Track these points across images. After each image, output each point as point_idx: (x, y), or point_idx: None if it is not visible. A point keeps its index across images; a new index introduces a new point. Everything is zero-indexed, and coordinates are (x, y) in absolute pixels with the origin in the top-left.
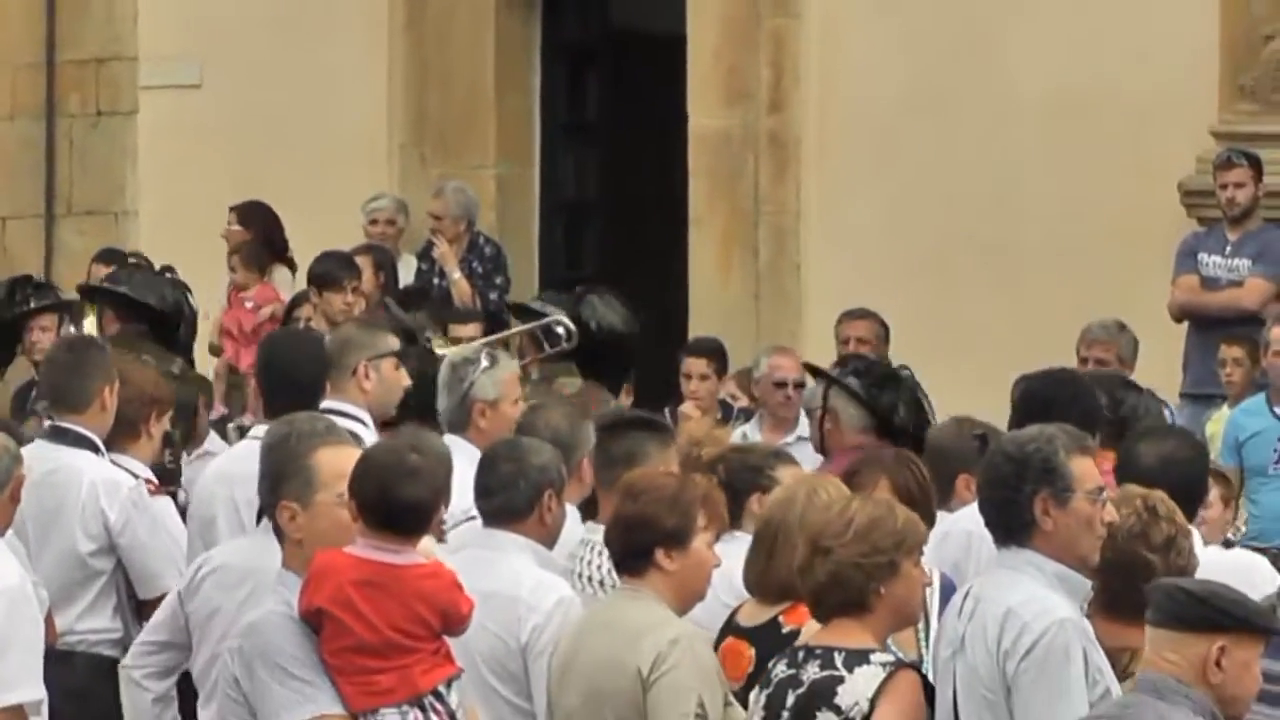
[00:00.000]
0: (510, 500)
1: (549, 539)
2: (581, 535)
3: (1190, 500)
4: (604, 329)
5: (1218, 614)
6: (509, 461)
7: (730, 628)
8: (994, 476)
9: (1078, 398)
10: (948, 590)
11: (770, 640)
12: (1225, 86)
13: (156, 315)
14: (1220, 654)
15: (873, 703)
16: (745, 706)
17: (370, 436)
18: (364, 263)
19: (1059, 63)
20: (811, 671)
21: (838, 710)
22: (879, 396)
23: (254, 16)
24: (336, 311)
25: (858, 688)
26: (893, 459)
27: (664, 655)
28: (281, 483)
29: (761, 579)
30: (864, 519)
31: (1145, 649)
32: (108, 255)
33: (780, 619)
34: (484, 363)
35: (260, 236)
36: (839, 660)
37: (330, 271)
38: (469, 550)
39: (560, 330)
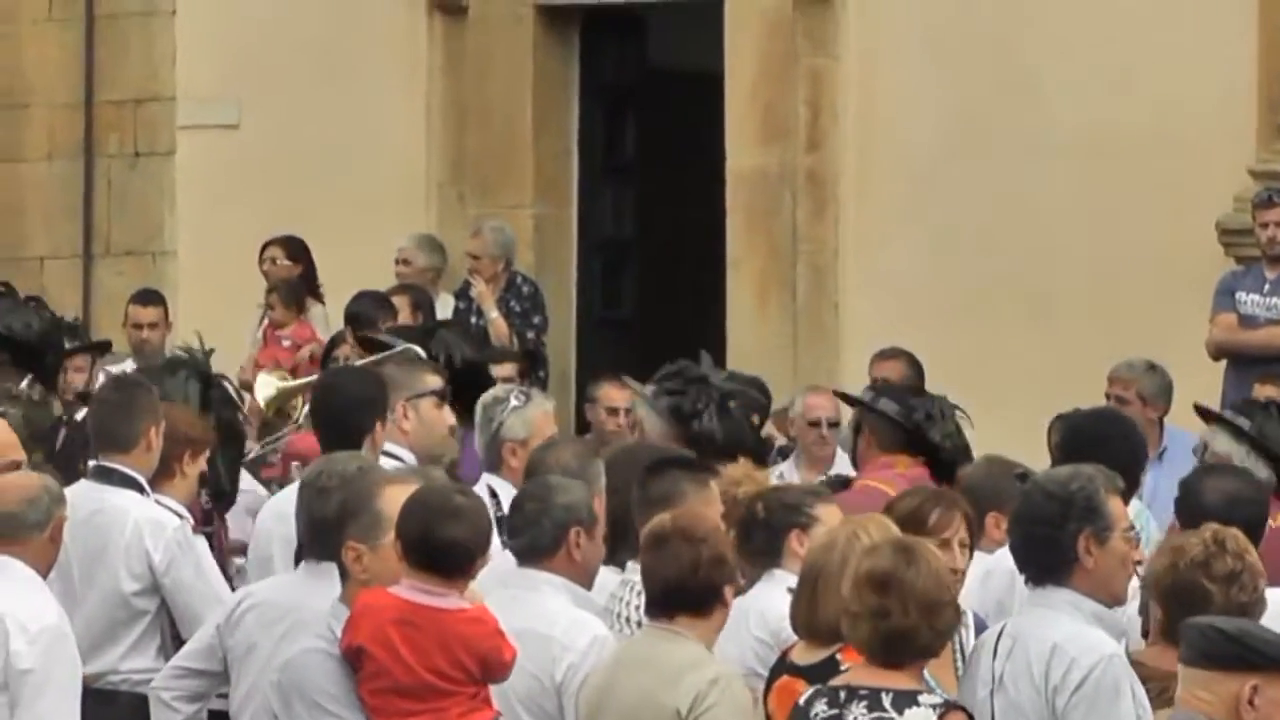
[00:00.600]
0: (536, 539)
1: (583, 577)
2: (622, 576)
3: (1253, 540)
4: (464, 361)
5: (1250, 653)
6: (534, 500)
7: (784, 666)
8: (1036, 515)
9: (1127, 436)
10: (979, 628)
11: (829, 679)
12: (1263, 125)
13: (18, 344)
14: (1253, 693)
15: None
16: None
17: None
18: (401, 303)
19: (1096, 102)
20: (858, 712)
21: None
22: (913, 409)
23: (292, 57)
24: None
25: None
26: (962, 498)
27: (703, 695)
28: (348, 523)
29: (809, 622)
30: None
31: (1178, 688)
32: (145, 296)
33: (838, 657)
34: (514, 402)
35: (306, 272)
36: (887, 702)
37: (365, 311)
38: (504, 590)
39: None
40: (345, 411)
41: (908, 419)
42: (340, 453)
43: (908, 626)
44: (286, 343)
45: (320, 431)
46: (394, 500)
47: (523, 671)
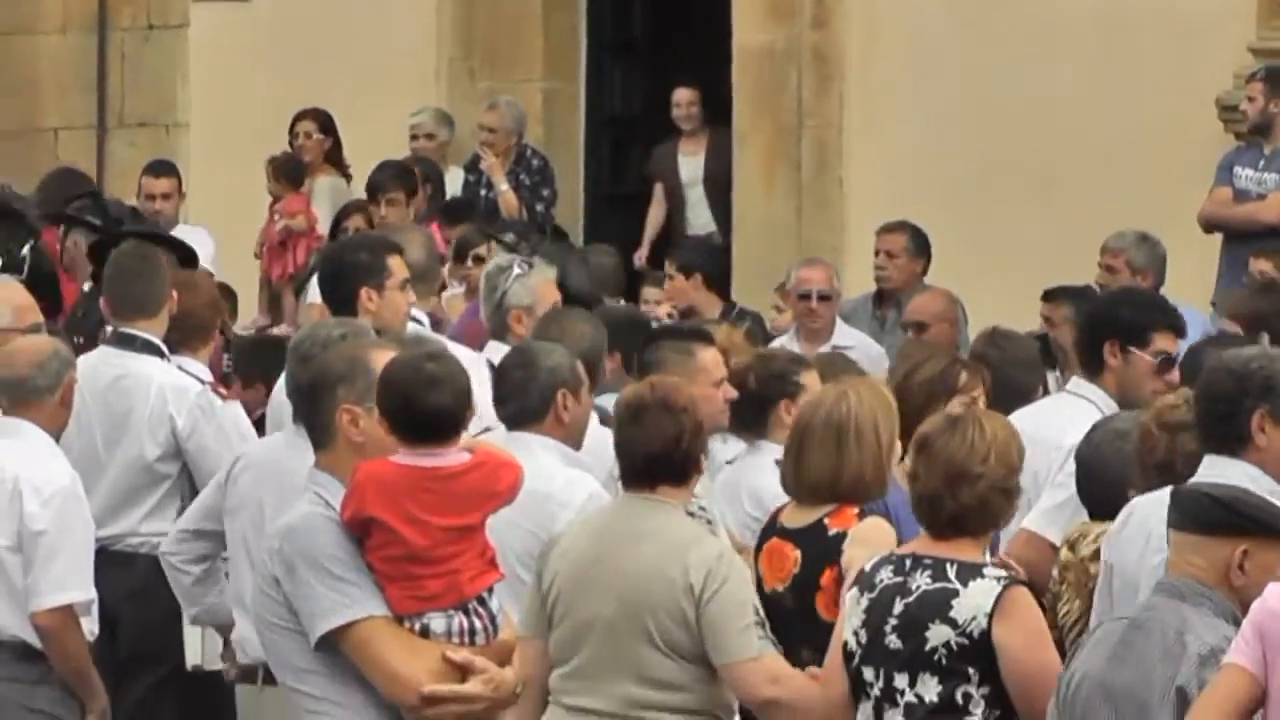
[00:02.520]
0: (524, 404)
1: (572, 437)
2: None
3: None
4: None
5: (1241, 518)
6: (519, 368)
7: (774, 529)
8: (1215, 391)
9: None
10: None
11: (816, 542)
12: (1263, 3)
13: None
14: (1243, 557)
15: (990, 617)
16: (790, 604)
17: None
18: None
19: None
20: (922, 581)
21: (954, 624)
22: None
23: None
24: (394, 222)
25: (974, 601)
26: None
27: (714, 571)
28: (340, 384)
29: (797, 483)
30: (1000, 443)
31: (1170, 554)
32: (158, 167)
33: (825, 521)
34: (517, 270)
35: (334, 144)
36: (952, 573)
37: (383, 182)
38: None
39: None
40: (335, 277)
41: None
42: (327, 319)
43: (931, 492)
44: (278, 217)
45: (322, 296)
46: (378, 362)
47: (519, 529)
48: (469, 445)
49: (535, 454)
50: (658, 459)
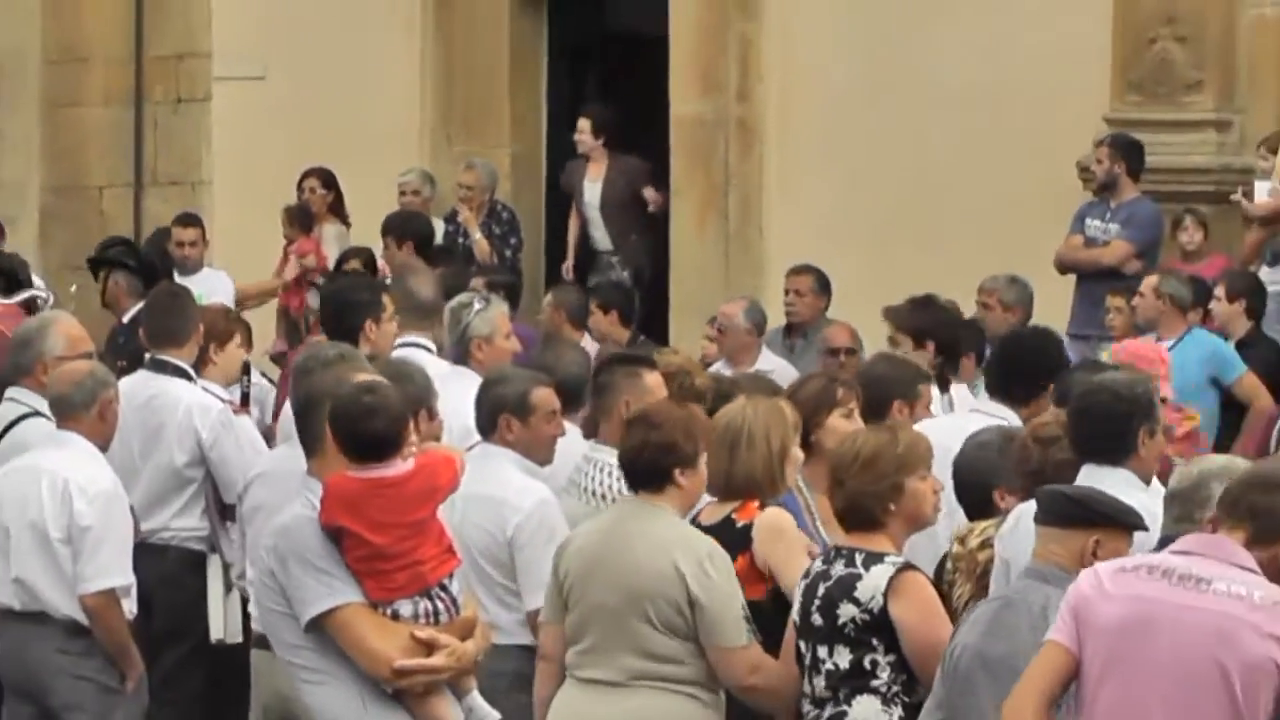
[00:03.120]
0: (480, 423)
1: (530, 453)
2: (585, 452)
3: None
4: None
5: (1093, 513)
6: (482, 389)
7: (695, 526)
8: (1106, 412)
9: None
10: None
11: (726, 534)
12: (1116, 80)
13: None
14: (1095, 546)
15: (885, 595)
16: None
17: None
18: None
19: (976, 62)
20: (839, 568)
21: (857, 602)
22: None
23: (311, 20)
24: (402, 260)
25: (873, 583)
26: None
27: (706, 568)
28: (327, 400)
29: (714, 480)
30: (868, 451)
31: (1036, 544)
32: (185, 218)
33: (734, 516)
34: (477, 305)
35: (336, 197)
36: (859, 560)
37: (400, 225)
38: (471, 461)
39: None
40: (341, 311)
41: None
42: (324, 342)
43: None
44: (293, 257)
45: (324, 327)
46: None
47: (480, 529)
48: (412, 453)
49: (494, 463)
50: (643, 468)
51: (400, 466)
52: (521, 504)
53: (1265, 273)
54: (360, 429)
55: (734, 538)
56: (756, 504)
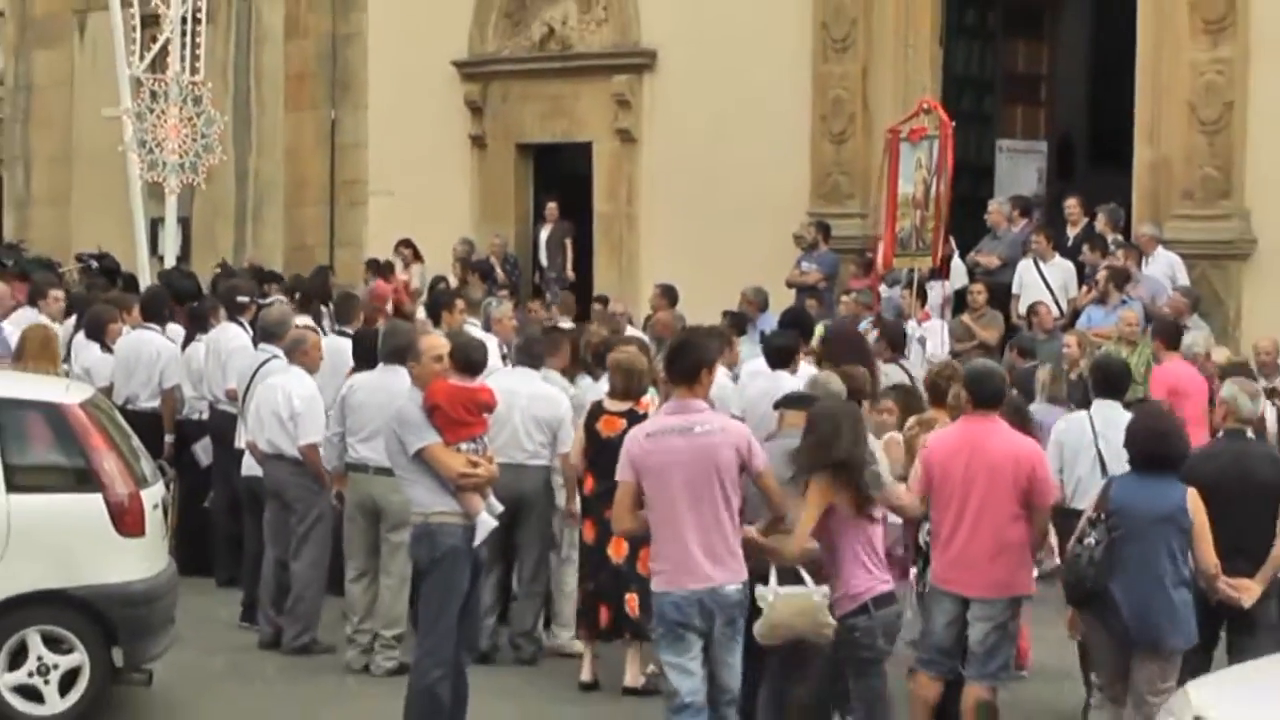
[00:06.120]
0: (526, 353)
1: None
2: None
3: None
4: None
5: (806, 400)
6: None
7: (602, 410)
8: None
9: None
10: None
11: (634, 416)
12: (815, 188)
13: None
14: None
15: None
16: (616, 445)
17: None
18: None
19: (743, 180)
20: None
21: None
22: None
23: (413, 158)
24: (472, 283)
25: None
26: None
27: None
28: (408, 351)
29: (614, 388)
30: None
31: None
32: (373, 265)
33: (635, 407)
34: (494, 303)
35: (415, 251)
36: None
37: (471, 267)
38: (503, 374)
39: None
40: (434, 306)
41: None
42: (401, 322)
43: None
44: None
45: (428, 312)
46: (427, 343)
47: (529, 411)
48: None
49: (532, 377)
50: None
51: (473, 382)
52: (561, 397)
53: (884, 290)
54: (468, 358)
55: (639, 418)
56: (646, 400)
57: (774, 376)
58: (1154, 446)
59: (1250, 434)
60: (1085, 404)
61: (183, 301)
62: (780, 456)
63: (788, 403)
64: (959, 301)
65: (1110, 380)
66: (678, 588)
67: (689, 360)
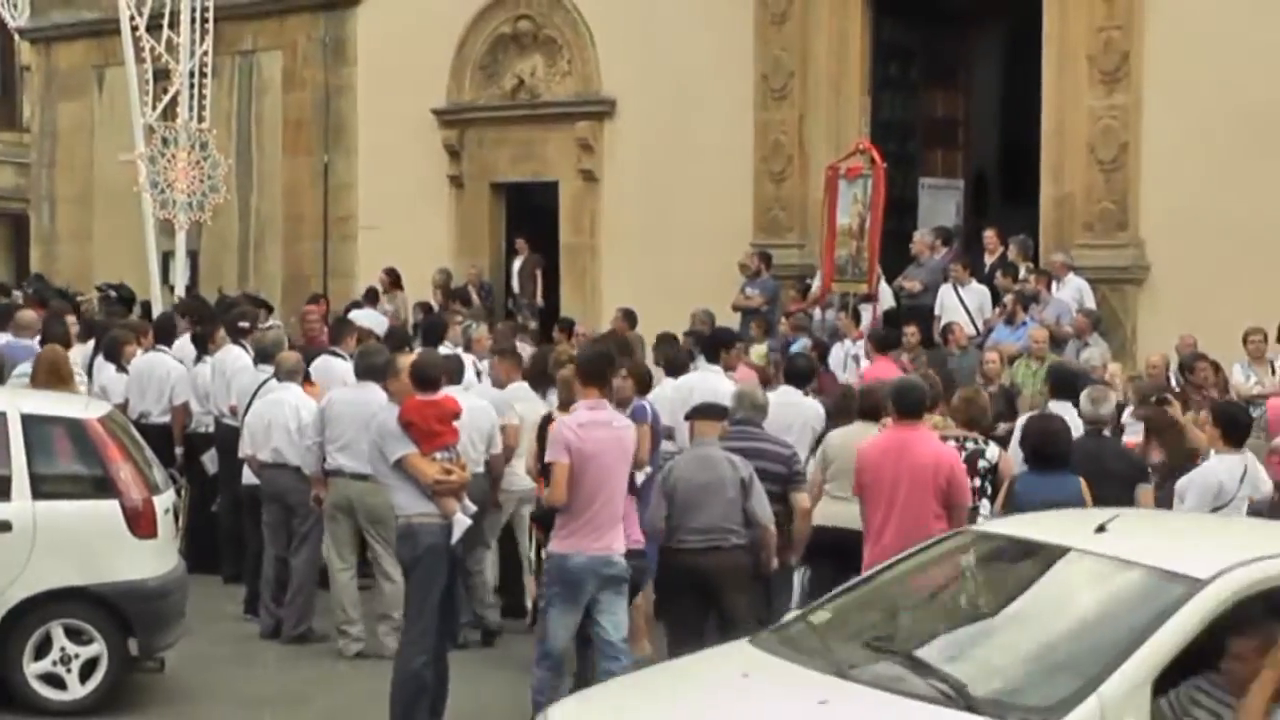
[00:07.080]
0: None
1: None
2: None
3: None
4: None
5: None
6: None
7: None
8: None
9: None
10: None
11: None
12: (758, 220)
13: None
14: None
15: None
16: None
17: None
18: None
19: (701, 210)
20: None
21: None
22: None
23: (397, 193)
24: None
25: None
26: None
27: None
28: (387, 369)
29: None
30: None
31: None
32: (349, 308)
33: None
34: (472, 325)
35: (397, 278)
36: None
37: (453, 294)
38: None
39: None
40: (433, 331)
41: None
42: (375, 343)
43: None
44: (387, 309)
45: (423, 339)
46: (403, 361)
47: (477, 423)
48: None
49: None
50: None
51: (438, 395)
52: (491, 411)
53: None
54: (425, 375)
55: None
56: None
57: (713, 386)
58: (1045, 445)
59: (1106, 433)
60: (1011, 415)
61: (200, 322)
62: (694, 463)
63: (698, 413)
64: (889, 325)
65: (1066, 383)
66: (579, 551)
67: (599, 366)
